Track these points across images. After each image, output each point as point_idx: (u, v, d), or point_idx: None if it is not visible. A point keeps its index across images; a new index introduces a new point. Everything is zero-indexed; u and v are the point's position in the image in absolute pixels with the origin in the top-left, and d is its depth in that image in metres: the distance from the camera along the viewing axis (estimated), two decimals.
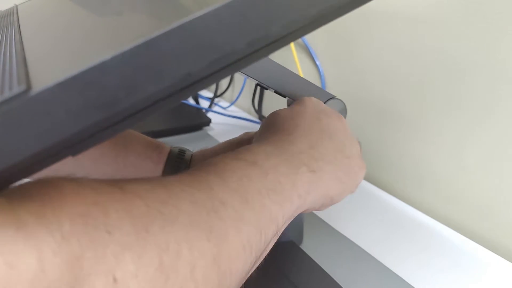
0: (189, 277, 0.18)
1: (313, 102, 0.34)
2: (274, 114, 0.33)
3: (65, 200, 0.16)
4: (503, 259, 0.43)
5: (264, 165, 0.25)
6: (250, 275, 0.24)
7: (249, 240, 0.22)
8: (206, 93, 0.94)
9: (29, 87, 0.12)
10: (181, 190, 0.20)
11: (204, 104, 0.87)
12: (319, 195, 0.29)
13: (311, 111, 0.32)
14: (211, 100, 0.85)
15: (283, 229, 0.27)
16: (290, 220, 0.27)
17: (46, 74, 0.14)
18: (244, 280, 0.23)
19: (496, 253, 0.44)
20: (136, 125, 0.16)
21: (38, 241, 0.14)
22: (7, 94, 0.12)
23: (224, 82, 0.90)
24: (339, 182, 0.30)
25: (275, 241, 0.26)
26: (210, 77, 0.17)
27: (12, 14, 0.36)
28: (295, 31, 0.18)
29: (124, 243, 0.16)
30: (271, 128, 0.32)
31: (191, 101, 0.85)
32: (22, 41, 0.21)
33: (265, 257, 0.26)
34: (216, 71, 0.17)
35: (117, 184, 0.18)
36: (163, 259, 0.17)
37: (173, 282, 0.17)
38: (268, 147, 0.28)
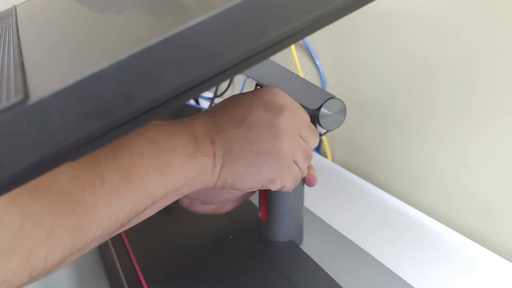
0: (44, 241, 0.21)
1: (271, 92, 0.34)
2: (233, 96, 0.35)
3: None
4: (504, 259, 0.43)
5: (163, 145, 0.28)
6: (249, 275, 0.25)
7: (116, 212, 0.25)
8: (206, 93, 0.94)
9: (26, 96, 0.12)
10: (65, 165, 0.23)
11: (204, 104, 0.87)
12: (211, 179, 0.31)
13: (256, 99, 0.33)
14: (211, 100, 0.85)
15: (164, 200, 0.29)
16: (177, 196, 0.31)
17: (44, 81, 0.14)
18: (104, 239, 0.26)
19: (497, 254, 0.44)
20: (136, 129, 0.16)
21: None
22: (4, 103, 0.12)
23: (224, 82, 0.90)
24: (235, 173, 0.32)
25: (155, 210, 0.30)
26: (208, 82, 0.17)
27: (11, 15, 0.36)
28: (293, 35, 0.18)
29: None
30: (214, 107, 0.34)
31: (191, 101, 0.85)
32: (20, 45, 0.21)
33: (265, 257, 0.27)
34: (214, 76, 0.17)
35: None
36: (24, 224, 0.20)
37: (28, 243, 0.20)
38: (178, 127, 0.30)
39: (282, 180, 0.33)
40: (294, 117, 0.34)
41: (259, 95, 0.34)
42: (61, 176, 0.22)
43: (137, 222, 0.29)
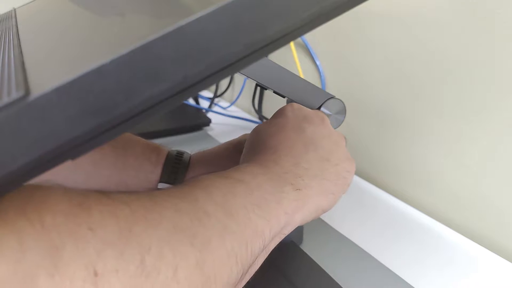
0: (171, 277, 0.18)
1: (294, 111, 0.34)
2: (258, 132, 0.33)
3: (48, 199, 0.17)
4: (505, 260, 0.43)
5: (251, 183, 0.26)
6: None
7: (233, 249, 0.22)
8: (206, 93, 0.94)
9: (27, 92, 0.12)
10: (165, 200, 0.21)
11: (204, 104, 0.87)
12: (308, 211, 0.29)
13: (293, 122, 0.33)
14: (211, 100, 0.85)
15: (272, 246, 0.27)
16: (279, 237, 0.28)
17: (45, 78, 0.14)
18: None
19: (498, 255, 0.44)
20: (136, 126, 0.16)
21: (17, 227, 0.15)
22: (5, 99, 0.12)
23: (224, 82, 0.90)
24: (328, 194, 0.31)
25: (264, 257, 0.27)
26: (208, 79, 0.17)
27: (10, 17, 0.36)
28: (292, 32, 0.18)
29: (106, 240, 0.17)
30: (256, 148, 0.32)
31: (191, 101, 0.85)
32: (20, 45, 0.21)
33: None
34: (214, 73, 0.17)
35: (104, 192, 0.19)
36: (144, 258, 0.17)
37: (154, 280, 0.17)
38: (254, 167, 0.28)
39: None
40: (326, 116, 0.35)
41: (291, 116, 0.33)
42: (165, 208, 0.20)
43: (252, 274, 0.25)
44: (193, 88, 0.17)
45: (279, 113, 0.34)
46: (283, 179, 0.28)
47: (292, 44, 0.69)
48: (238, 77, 0.87)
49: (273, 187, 0.27)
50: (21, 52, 0.20)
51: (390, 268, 0.40)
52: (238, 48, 0.16)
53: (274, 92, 0.37)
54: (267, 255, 0.27)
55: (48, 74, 0.15)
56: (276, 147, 0.31)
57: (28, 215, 0.15)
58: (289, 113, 0.34)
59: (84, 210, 0.17)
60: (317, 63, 0.66)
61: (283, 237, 0.28)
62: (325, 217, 0.48)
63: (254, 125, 0.76)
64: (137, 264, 0.17)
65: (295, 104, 0.35)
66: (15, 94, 0.12)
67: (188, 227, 0.20)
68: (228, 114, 0.80)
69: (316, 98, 0.38)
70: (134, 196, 0.20)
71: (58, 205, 0.16)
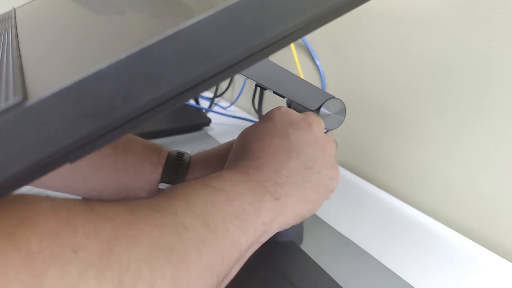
0: None
1: (281, 115, 0.34)
2: (244, 135, 0.34)
3: (37, 218, 0.17)
4: (504, 260, 0.43)
5: (230, 192, 0.26)
6: (249, 275, 0.25)
7: (209, 263, 0.23)
8: (206, 93, 0.94)
9: (25, 97, 0.12)
10: (145, 214, 0.21)
11: (204, 104, 0.87)
12: (286, 219, 0.30)
13: (279, 127, 0.33)
14: (211, 100, 0.85)
15: (247, 255, 0.27)
16: (256, 246, 0.28)
17: (43, 83, 0.14)
18: None
19: (497, 254, 0.44)
20: (136, 129, 0.16)
21: (4, 256, 0.15)
22: (3, 104, 0.12)
23: (224, 82, 0.90)
24: (307, 202, 0.31)
25: (240, 266, 0.27)
26: (208, 81, 0.17)
27: (10, 18, 0.36)
28: (292, 34, 0.18)
29: (88, 261, 0.17)
30: (241, 153, 0.32)
31: (191, 101, 0.85)
32: (19, 47, 0.21)
33: (265, 257, 0.27)
34: (214, 76, 0.17)
35: (89, 204, 0.20)
36: (123, 278, 0.18)
37: None
38: (236, 174, 0.29)
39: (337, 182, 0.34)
40: (316, 120, 0.34)
41: (279, 120, 0.34)
42: (145, 224, 0.21)
43: (227, 283, 0.26)
44: (194, 91, 0.17)
45: (267, 116, 0.34)
46: (263, 187, 0.29)
47: (292, 44, 0.69)
48: (238, 77, 0.87)
49: (252, 196, 0.27)
50: (19, 54, 0.20)
51: (390, 268, 0.40)
52: (238, 51, 0.16)
53: (274, 92, 0.37)
54: (243, 263, 0.27)
55: (46, 77, 0.15)
56: (259, 153, 0.31)
57: (17, 240, 0.15)
58: (276, 117, 0.34)
59: (70, 230, 0.17)
60: (317, 63, 0.66)
61: (259, 246, 0.29)
62: (325, 217, 0.48)
63: None
64: (116, 284, 0.17)
65: (283, 107, 0.35)
66: (13, 100, 0.12)
67: (166, 243, 0.21)
68: (228, 114, 0.80)
69: (316, 98, 0.37)
70: (117, 210, 0.20)
71: (45, 226, 0.17)
